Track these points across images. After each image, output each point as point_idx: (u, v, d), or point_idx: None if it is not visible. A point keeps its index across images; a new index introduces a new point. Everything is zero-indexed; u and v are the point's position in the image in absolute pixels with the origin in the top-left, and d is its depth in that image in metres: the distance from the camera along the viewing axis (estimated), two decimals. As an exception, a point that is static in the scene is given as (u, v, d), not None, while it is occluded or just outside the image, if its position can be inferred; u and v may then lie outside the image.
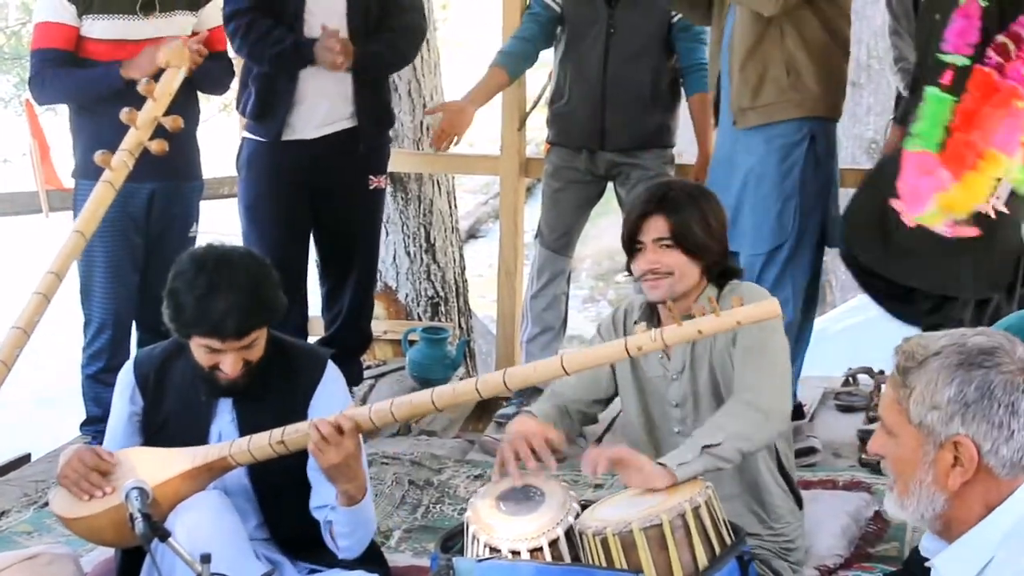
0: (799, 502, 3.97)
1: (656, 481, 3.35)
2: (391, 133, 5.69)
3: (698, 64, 5.45)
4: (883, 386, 3.84)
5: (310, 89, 5.20)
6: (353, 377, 5.47)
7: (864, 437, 5.13)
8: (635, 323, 3.80)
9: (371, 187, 5.44)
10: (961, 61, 4.49)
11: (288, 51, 5.08)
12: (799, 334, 5.15)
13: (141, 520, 3.13)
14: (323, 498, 3.55)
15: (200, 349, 3.50)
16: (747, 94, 4.97)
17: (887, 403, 2.46)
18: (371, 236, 5.60)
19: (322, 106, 5.24)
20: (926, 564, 2.50)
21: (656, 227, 3.76)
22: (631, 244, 3.82)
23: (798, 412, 5.30)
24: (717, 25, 5.15)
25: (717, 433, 3.48)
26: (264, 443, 3.44)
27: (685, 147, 6.02)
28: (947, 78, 4.52)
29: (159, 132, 4.06)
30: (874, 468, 4.88)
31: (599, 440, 5.36)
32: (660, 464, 3.40)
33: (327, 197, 5.37)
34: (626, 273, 3.91)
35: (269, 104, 5.22)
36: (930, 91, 4.55)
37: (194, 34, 5.07)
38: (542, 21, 5.56)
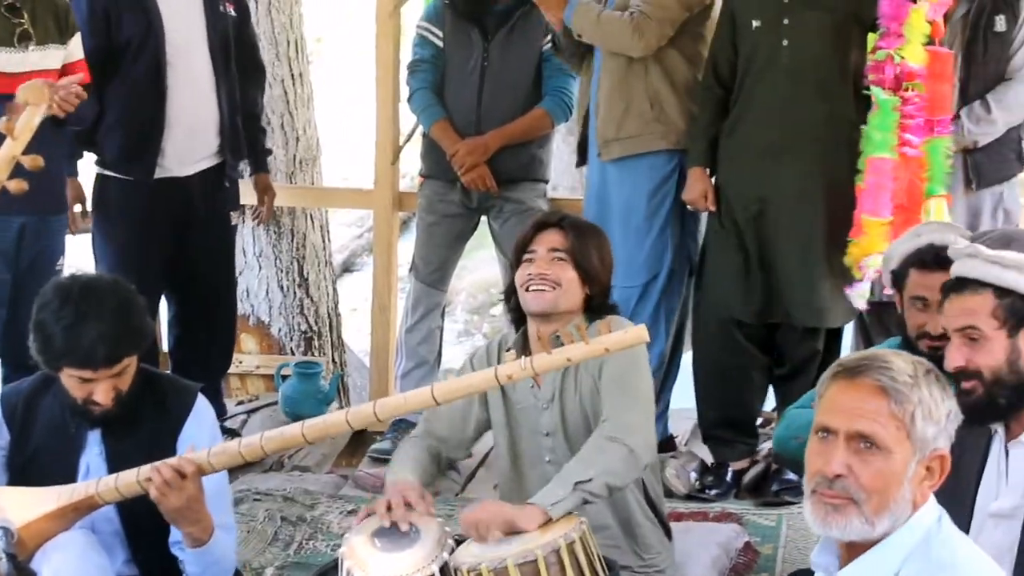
0: (668, 533, 4.00)
1: (530, 524, 3.35)
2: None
3: (555, 88, 5.50)
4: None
5: (178, 125, 5.16)
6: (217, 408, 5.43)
7: (714, 464, 5.18)
8: (506, 351, 3.81)
9: (232, 222, 5.49)
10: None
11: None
12: (670, 366, 5.22)
13: (6, 561, 3.08)
14: (178, 535, 3.51)
15: (72, 380, 3.45)
16: (611, 126, 5.08)
17: (879, 419, 2.44)
18: (233, 269, 5.69)
19: (191, 142, 5.20)
20: None
21: (553, 239, 3.80)
22: (521, 253, 3.83)
23: (670, 444, 5.35)
24: (588, 66, 5.24)
25: (587, 469, 3.49)
26: (131, 480, 3.39)
27: (559, 180, 6.06)
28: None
29: (19, 171, 3.98)
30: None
31: (472, 474, 5.36)
32: (532, 503, 3.40)
33: (192, 234, 5.33)
34: (502, 297, 3.93)
35: (138, 144, 5.15)
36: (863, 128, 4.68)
37: (65, 71, 4.99)
38: (433, 62, 5.56)
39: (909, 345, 3.76)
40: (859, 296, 4.68)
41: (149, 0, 5.10)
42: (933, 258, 3.68)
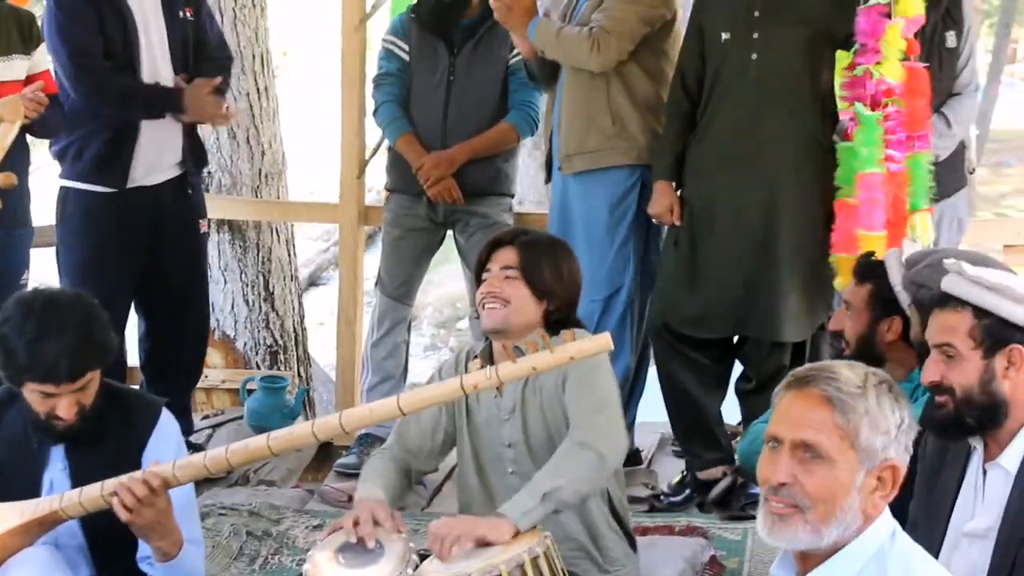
0: (633, 545, 4.00)
1: (499, 535, 3.34)
2: (229, 180, 5.63)
3: (521, 102, 5.52)
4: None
5: (147, 135, 5.15)
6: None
7: (682, 477, 5.20)
8: (471, 359, 3.82)
9: (201, 231, 5.46)
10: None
11: (156, 98, 5.05)
12: (636, 379, 5.23)
13: (-33, 576, 3.05)
14: (146, 550, 3.50)
15: (34, 395, 3.43)
16: (573, 141, 5.10)
17: (823, 429, 2.47)
18: (205, 281, 5.63)
19: (159, 151, 5.20)
20: None
21: (505, 256, 3.83)
22: (480, 272, 3.87)
23: (635, 458, 5.36)
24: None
25: (556, 478, 3.49)
26: (95, 494, 3.37)
27: (525, 194, 6.07)
28: (850, 128, 4.64)
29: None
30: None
31: (438, 489, 5.36)
32: (499, 514, 3.39)
33: (163, 245, 5.32)
34: (469, 311, 3.94)
35: (112, 154, 5.14)
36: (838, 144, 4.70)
37: (29, 81, 4.98)
38: (399, 75, 5.56)
39: None
40: None
41: (126, 8, 5.09)
42: (861, 269, 3.97)
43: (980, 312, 3.02)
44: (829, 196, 4.75)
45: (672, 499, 5.08)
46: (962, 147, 5.13)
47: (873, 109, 4.57)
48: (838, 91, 4.73)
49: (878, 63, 4.54)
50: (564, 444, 3.64)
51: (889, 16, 4.55)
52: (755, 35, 4.79)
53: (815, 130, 4.80)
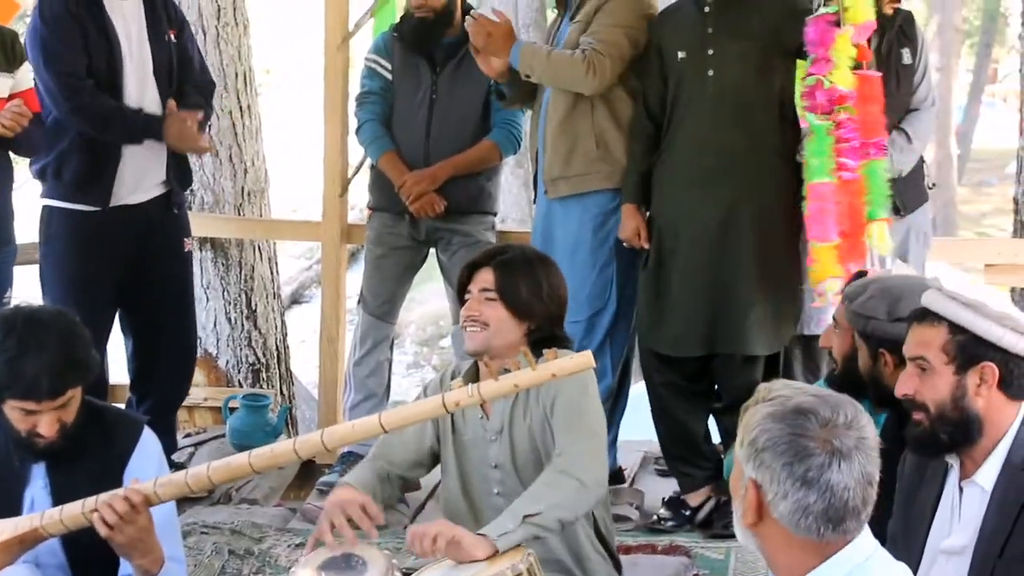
0: (618, 566, 4.00)
1: (477, 552, 3.34)
2: (212, 198, 5.63)
3: (504, 120, 5.53)
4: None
5: (130, 154, 5.15)
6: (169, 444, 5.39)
7: (671, 497, 5.21)
8: (452, 378, 3.82)
9: (185, 249, 5.45)
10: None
11: (137, 124, 5.05)
12: (617, 399, 5.24)
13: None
14: (127, 568, 3.49)
15: (15, 412, 3.41)
16: (558, 165, 5.11)
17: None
18: (191, 299, 5.60)
19: (142, 170, 5.19)
20: None
21: (483, 278, 3.84)
22: (462, 293, 3.88)
23: (618, 476, 5.36)
24: (536, 102, 5.27)
25: (537, 503, 3.49)
26: (76, 512, 3.36)
27: (507, 212, 6.07)
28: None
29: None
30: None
31: (421, 507, 5.35)
32: (481, 534, 3.39)
33: (148, 263, 5.31)
34: (455, 329, 3.94)
35: (94, 172, 5.13)
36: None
37: (11, 98, 4.98)
38: (382, 94, 5.57)
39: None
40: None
41: (111, 29, 5.09)
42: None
43: (955, 328, 3.04)
44: (792, 207, 4.78)
45: (672, 522, 5.07)
46: (921, 162, 5.17)
47: (827, 117, 4.57)
48: (798, 101, 4.75)
49: (829, 72, 4.54)
50: (547, 470, 3.64)
51: (839, 24, 4.55)
52: (710, 52, 4.82)
53: (775, 142, 4.82)
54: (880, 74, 4.67)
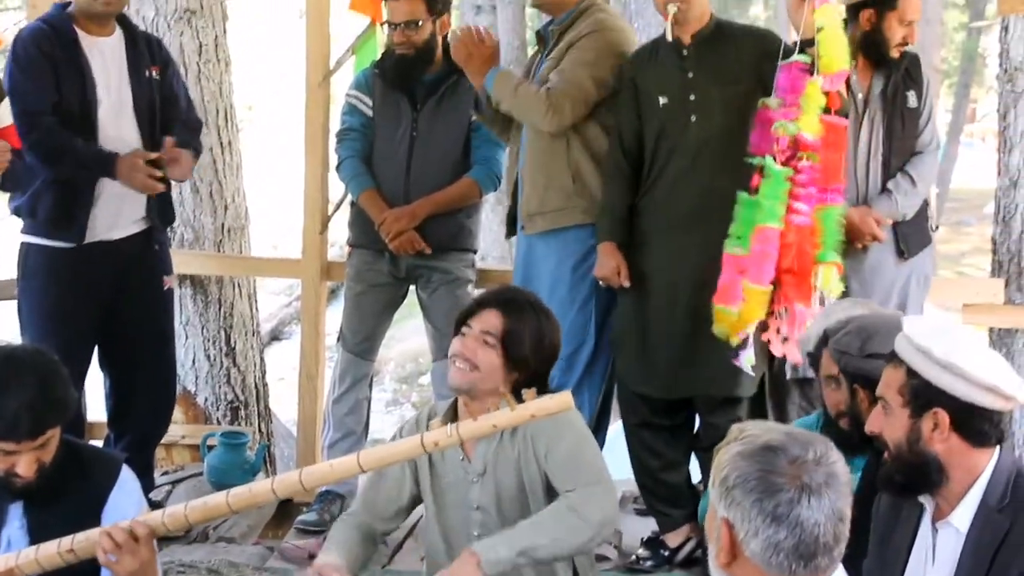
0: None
1: (463, 571, 3.35)
2: (192, 234, 5.61)
3: (484, 158, 5.54)
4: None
5: (107, 190, 5.13)
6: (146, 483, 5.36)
7: (649, 537, 5.20)
8: (430, 418, 3.81)
9: (165, 287, 5.43)
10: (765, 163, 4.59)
11: (89, 161, 5.03)
12: (595, 437, 5.22)
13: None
14: None
15: (-7, 452, 3.40)
16: (535, 200, 5.12)
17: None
18: (170, 337, 5.58)
19: (119, 207, 5.18)
20: None
21: (490, 320, 3.81)
22: (459, 324, 3.85)
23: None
24: (515, 138, 5.27)
25: (539, 535, 3.50)
26: (52, 552, 3.34)
27: (488, 250, 6.07)
28: (755, 180, 4.59)
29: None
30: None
31: (400, 546, 5.33)
32: (469, 551, 3.40)
33: (126, 300, 5.29)
34: (434, 367, 3.92)
35: (69, 208, 5.11)
36: (741, 196, 4.64)
37: (-6, 134, 4.97)
38: (363, 131, 5.58)
39: (830, 423, 3.86)
40: (747, 362, 4.68)
41: (86, 66, 5.09)
42: None
43: (911, 372, 3.05)
44: None
45: (651, 562, 5.06)
46: (925, 205, 5.17)
47: (785, 164, 4.54)
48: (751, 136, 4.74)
49: (796, 119, 4.53)
50: (557, 504, 3.62)
51: (811, 72, 4.56)
52: (692, 97, 4.82)
53: (746, 176, 4.83)
54: (846, 121, 4.66)
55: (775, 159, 4.52)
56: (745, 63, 4.80)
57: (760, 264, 4.50)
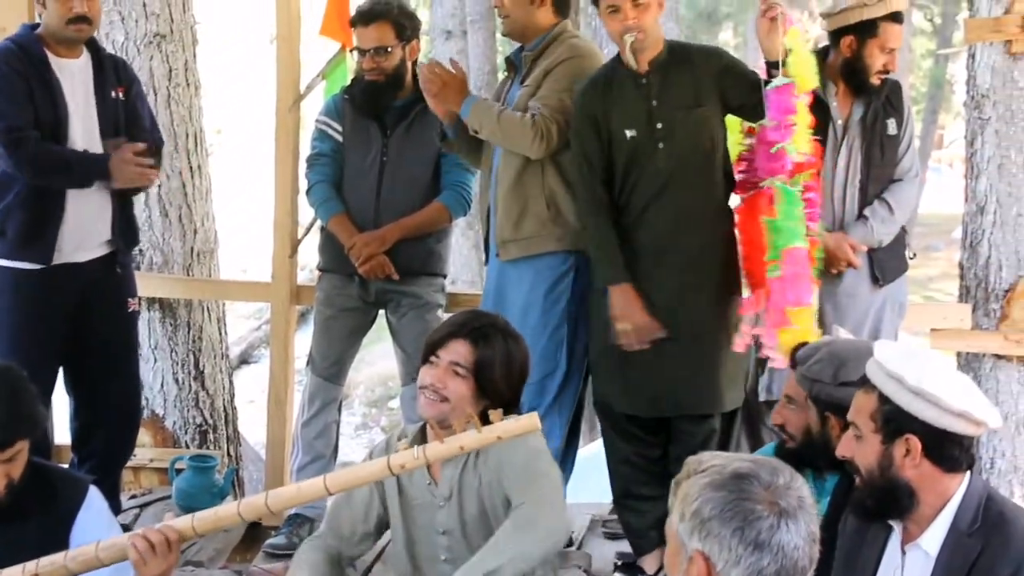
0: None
1: None
2: (161, 258, 5.60)
3: (454, 183, 5.55)
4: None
5: (73, 212, 5.13)
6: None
7: (618, 561, 5.21)
8: (399, 440, 3.81)
9: (129, 309, 5.43)
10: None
11: (85, 165, 5.02)
12: (563, 461, 5.22)
13: None
14: None
15: (-38, 467, 3.39)
16: (509, 227, 5.11)
17: (671, 515, 2.50)
18: (135, 359, 5.58)
19: (85, 228, 5.17)
20: None
21: (459, 351, 3.80)
22: (428, 352, 3.84)
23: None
24: (486, 163, 5.28)
25: (498, 557, 3.49)
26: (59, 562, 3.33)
27: (458, 274, 6.08)
28: (766, 204, 4.64)
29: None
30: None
31: (368, 569, 5.32)
32: None
33: (90, 322, 5.28)
34: (403, 391, 3.91)
35: (37, 229, 5.10)
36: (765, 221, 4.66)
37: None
38: (333, 156, 5.59)
39: (782, 446, 3.89)
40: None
41: (56, 85, 5.09)
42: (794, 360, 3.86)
43: (883, 398, 3.07)
44: (735, 260, 4.86)
45: None
46: (903, 233, 5.20)
47: (793, 183, 4.60)
48: (734, 154, 4.83)
49: (792, 139, 4.56)
50: (507, 523, 3.63)
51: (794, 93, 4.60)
52: (658, 126, 4.81)
53: (721, 199, 4.86)
54: (817, 139, 4.70)
55: (785, 180, 4.56)
56: (704, 83, 4.82)
57: (796, 285, 4.55)
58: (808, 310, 4.60)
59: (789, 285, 4.57)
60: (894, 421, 3.06)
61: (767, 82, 4.59)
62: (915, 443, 3.04)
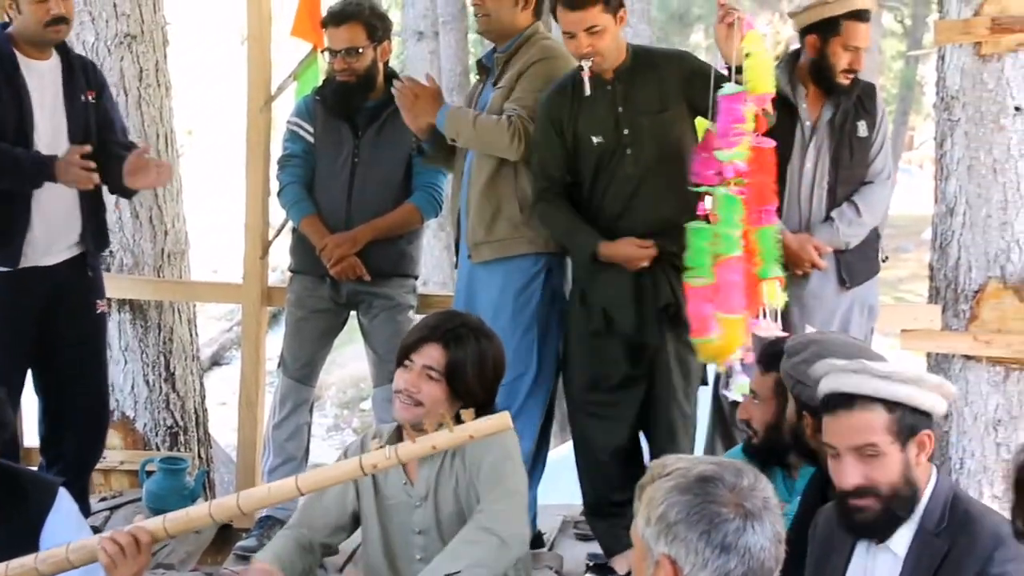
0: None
1: None
2: (131, 259, 5.57)
3: (425, 184, 5.55)
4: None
5: (42, 215, 5.11)
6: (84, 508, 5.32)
7: (590, 562, 5.21)
8: (372, 439, 3.81)
9: (97, 311, 5.42)
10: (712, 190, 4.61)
11: (28, 164, 4.99)
12: (534, 463, 5.23)
13: None
14: None
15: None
16: (481, 229, 5.11)
17: (636, 520, 2.49)
18: (103, 361, 5.57)
19: (54, 232, 5.16)
20: None
21: (431, 355, 3.80)
22: (402, 356, 3.84)
23: (537, 540, 5.35)
24: (458, 165, 5.28)
25: (457, 561, 3.49)
26: (30, 565, 3.32)
27: (429, 275, 6.08)
28: (701, 209, 4.60)
29: None
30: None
31: (340, 571, 5.31)
32: None
33: (59, 324, 5.26)
34: (375, 393, 3.90)
35: (4, 232, 5.08)
36: (690, 226, 4.64)
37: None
38: (304, 157, 5.58)
39: (748, 445, 3.93)
40: (739, 391, 4.68)
41: (23, 89, 5.07)
42: (766, 358, 3.91)
43: (890, 405, 3.05)
44: None
45: None
46: (876, 235, 5.20)
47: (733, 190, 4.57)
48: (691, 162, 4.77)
49: (738, 147, 4.54)
50: (466, 528, 3.64)
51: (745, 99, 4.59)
52: (625, 131, 4.83)
53: (691, 199, 4.85)
54: (773, 143, 4.66)
55: (725, 187, 4.55)
56: (670, 87, 4.83)
57: (728, 294, 4.53)
58: (739, 320, 4.57)
59: (722, 293, 4.55)
60: (911, 422, 3.07)
61: (719, 87, 4.58)
62: (929, 437, 3.07)
